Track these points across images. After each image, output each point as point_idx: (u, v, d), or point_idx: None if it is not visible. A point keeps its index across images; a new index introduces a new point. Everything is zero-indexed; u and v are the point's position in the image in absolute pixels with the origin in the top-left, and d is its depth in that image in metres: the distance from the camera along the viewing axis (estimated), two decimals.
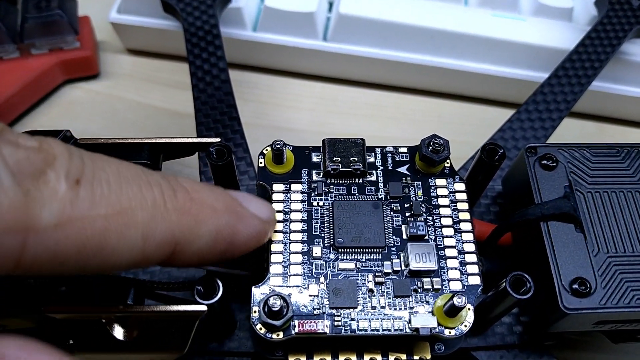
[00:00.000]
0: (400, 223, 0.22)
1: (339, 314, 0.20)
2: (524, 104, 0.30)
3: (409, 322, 0.20)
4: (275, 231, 0.21)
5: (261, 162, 0.23)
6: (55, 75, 0.35)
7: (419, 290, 0.21)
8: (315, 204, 0.22)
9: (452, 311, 0.19)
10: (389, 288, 0.21)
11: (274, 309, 0.19)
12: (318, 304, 0.20)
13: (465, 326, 0.20)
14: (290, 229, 0.22)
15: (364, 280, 0.21)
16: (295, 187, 0.23)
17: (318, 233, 0.22)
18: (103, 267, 0.16)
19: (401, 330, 0.20)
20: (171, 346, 0.21)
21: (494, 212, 0.27)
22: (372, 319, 0.20)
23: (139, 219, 0.16)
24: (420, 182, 0.23)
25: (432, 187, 0.23)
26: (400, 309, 0.20)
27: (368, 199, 0.22)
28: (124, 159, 0.17)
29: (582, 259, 0.21)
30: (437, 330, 0.20)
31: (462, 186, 0.23)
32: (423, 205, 0.22)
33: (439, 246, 0.21)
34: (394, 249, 0.21)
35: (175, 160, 0.25)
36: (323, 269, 0.21)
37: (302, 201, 0.22)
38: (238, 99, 0.30)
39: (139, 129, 0.35)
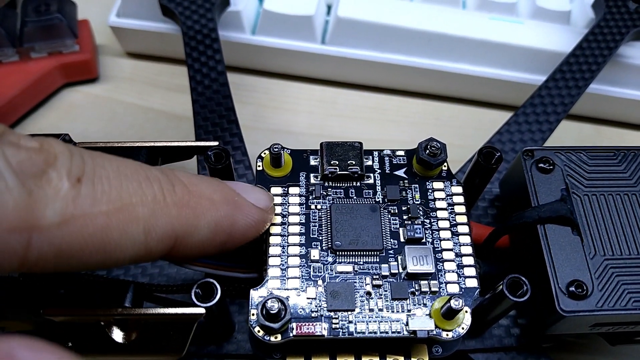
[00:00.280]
0: (398, 226, 0.22)
1: (336, 316, 0.20)
2: (521, 106, 0.30)
3: (407, 324, 0.20)
4: (273, 234, 0.22)
5: (259, 166, 0.23)
6: (55, 78, 0.35)
7: (417, 292, 0.21)
8: (313, 207, 0.22)
9: (450, 314, 0.19)
10: (386, 291, 0.21)
11: (272, 312, 0.19)
12: (316, 306, 0.20)
13: (463, 329, 0.20)
14: (288, 232, 0.22)
15: (362, 282, 0.21)
16: (293, 190, 0.23)
17: (316, 236, 0.22)
18: (106, 262, 0.16)
19: (399, 332, 0.20)
20: (169, 349, 0.21)
21: (492, 215, 0.27)
22: (370, 322, 0.20)
23: (140, 214, 0.16)
24: (417, 185, 0.23)
25: (430, 190, 0.23)
26: (397, 311, 0.20)
27: (366, 202, 0.23)
28: None
29: (579, 261, 0.22)
30: (434, 332, 0.20)
31: (459, 189, 0.23)
32: (420, 208, 0.22)
33: (437, 249, 0.22)
34: (391, 251, 0.21)
35: (174, 164, 0.25)
36: (321, 272, 0.21)
37: (300, 204, 0.22)
38: (236, 102, 0.30)
39: (138, 132, 0.35)
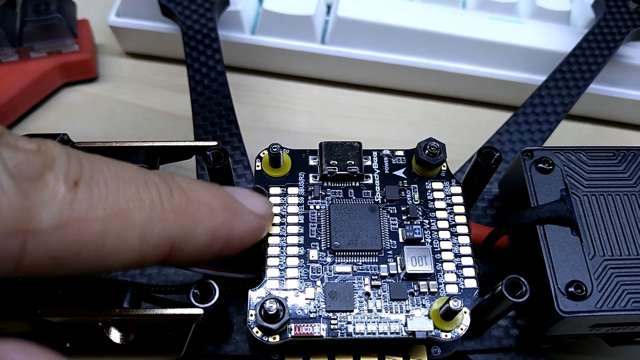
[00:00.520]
0: (397, 226, 0.22)
1: (335, 317, 0.20)
2: (521, 106, 0.30)
3: (406, 325, 0.20)
4: (272, 234, 0.21)
5: (258, 166, 0.23)
6: (54, 78, 0.35)
7: (416, 293, 0.21)
8: (312, 207, 0.22)
9: (449, 314, 0.19)
10: (385, 291, 0.21)
11: (270, 313, 0.19)
12: (314, 307, 0.20)
13: (462, 329, 0.20)
14: (287, 232, 0.22)
15: (361, 283, 0.21)
16: (292, 190, 0.23)
17: (315, 236, 0.22)
18: (101, 267, 0.16)
19: (397, 333, 0.20)
20: (168, 349, 0.21)
21: (491, 215, 0.27)
22: (369, 322, 0.20)
23: (136, 220, 0.16)
24: (416, 186, 0.23)
25: (429, 191, 0.23)
26: (396, 312, 0.20)
27: (365, 202, 0.22)
28: None
29: (578, 262, 0.21)
30: (433, 333, 0.20)
31: (458, 189, 0.23)
32: (419, 209, 0.22)
33: (436, 249, 0.21)
34: (390, 252, 0.21)
35: (173, 164, 0.25)
36: (319, 272, 0.21)
37: (299, 204, 0.22)
38: (236, 102, 0.30)
39: (137, 131, 0.35)
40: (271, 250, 0.21)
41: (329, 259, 0.21)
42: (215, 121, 0.29)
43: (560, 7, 0.36)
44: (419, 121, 0.36)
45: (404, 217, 0.22)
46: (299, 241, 0.21)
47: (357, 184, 0.23)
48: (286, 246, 0.21)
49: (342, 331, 0.20)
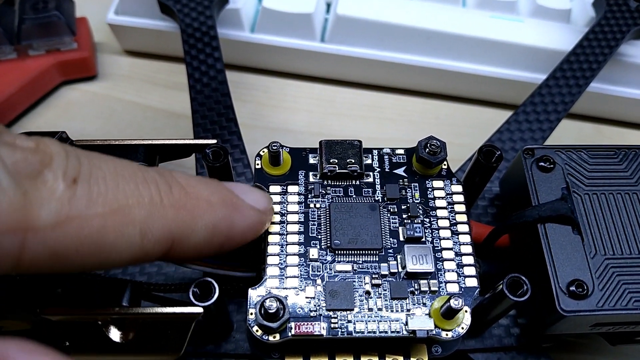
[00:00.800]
0: (397, 225, 0.22)
1: (335, 316, 0.20)
2: (521, 105, 0.30)
3: (406, 324, 0.20)
4: (272, 232, 0.21)
5: (258, 164, 0.23)
6: (53, 76, 0.35)
7: (416, 292, 0.20)
8: (312, 205, 0.22)
9: (449, 313, 0.19)
10: (385, 290, 0.20)
11: (270, 311, 0.19)
12: (315, 306, 0.20)
13: (463, 328, 0.20)
14: (287, 231, 0.22)
15: (361, 282, 0.21)
16: (292, 188, 0.23)
17: (315, 235, 0.22)
18: (102, 264, 0.16)
19: (398, 332, 0.20)
20: (167, 348, 0.21)
21: (492, 214, 0.27)
22: (369, 321, 0.20)
23: (136, 216, 0.16)
24: (417, 184, 0.23)
25: (429, 189, 0.23)
26: (397, 311, 0.20)
27: (365, 200, 0.22)
28: None
29: (580, 261, 0.21)
30: (434, 332, 0.20)
31: (459, 188, 0.23)
32: (420, 207, 0.22)
33: (436, 248, 0.21)
34: (390, 251, 0.21)
35: (172, 162, 0.25)
36: (320, 271, 0.21)
37: (299, 203, 0.22)
38: (235, 100, 0.30)
39: (136, 130, 0.35)
40: (271, 249, 0.21)
41: (329, 258, 0.21)
42: (215, 119, 0.29)
43: (560, 5, 0.36)
44: (419, 120, 0.36)
45: (404, 216, 0.22)
46: (299, 240, 0.21)
47: (358, 182, 0.23)
48: (286, 244, 0.21)
49: (343, 330, 0.20)
